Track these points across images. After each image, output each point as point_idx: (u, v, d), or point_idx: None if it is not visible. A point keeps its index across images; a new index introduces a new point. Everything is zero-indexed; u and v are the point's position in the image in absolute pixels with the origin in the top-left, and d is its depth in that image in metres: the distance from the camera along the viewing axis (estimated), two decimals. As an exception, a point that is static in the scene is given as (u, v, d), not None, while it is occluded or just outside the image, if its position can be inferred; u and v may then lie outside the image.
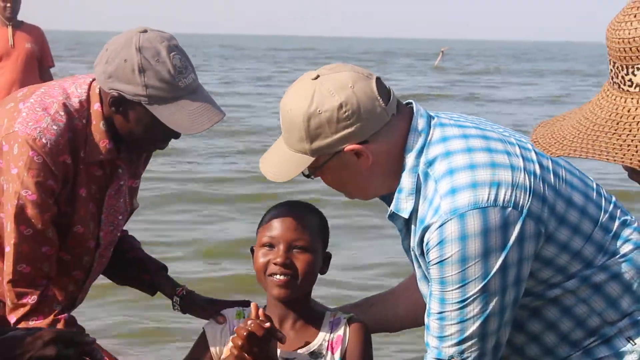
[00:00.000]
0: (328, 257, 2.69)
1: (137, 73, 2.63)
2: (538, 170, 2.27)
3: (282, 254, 2.56)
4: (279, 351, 2.63)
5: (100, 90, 2.77)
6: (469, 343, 2.26)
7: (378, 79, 2.32)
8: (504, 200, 2.20)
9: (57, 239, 2.79)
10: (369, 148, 2.28)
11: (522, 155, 2.29)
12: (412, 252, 2.37)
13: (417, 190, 2.29)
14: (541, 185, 2.25)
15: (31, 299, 2.75)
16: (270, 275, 2.58)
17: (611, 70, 1.56)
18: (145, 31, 2.68)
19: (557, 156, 1.61)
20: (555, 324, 2.34)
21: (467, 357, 2.28)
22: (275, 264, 2.56)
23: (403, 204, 2.31)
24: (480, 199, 2.19)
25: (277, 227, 2.58)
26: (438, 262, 2.23)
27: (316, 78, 2.30)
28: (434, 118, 2.35)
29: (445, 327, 2.27)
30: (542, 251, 2.26)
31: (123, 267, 3.13)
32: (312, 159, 2.32)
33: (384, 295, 2.97)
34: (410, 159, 2.29)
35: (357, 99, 2.26)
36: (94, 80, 2.80)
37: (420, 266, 2.36)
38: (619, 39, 1.52)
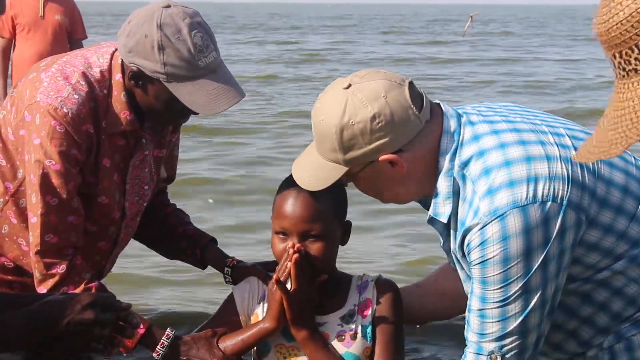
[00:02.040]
0: (348, 226, 2.67)
1: (156, 50, 2.59)
2: None
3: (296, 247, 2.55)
4: None
5: (122, 62, 2.74)
6: (510, 339, 2.24)
7: (411, 84, 2.27)
8: (542, 195, 2.15)
9: (82, 208, 2.78)
10: (403, 157, 2.24)
11: (556, 143, 2.24)
12: (453, 255, 2.34)
13: (455, 193, 2.25)
14: (579, 171, 2.20)
15: (60, 269, 2.75)
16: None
17: (619, 63, 1.53)
18: (168, 6, 2.63)
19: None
20: (607, 305, 2.31)
21: (508, 353, 2.25)
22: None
23: (441, 208, 2.28)
24: (519, 197, 2.15)
25: (288, 216, 2.54)
26: (480, 263, 2.20)
27: (348, 87, 2.24)
28: (462, 116, 2.30)
29: (486, 325, 2.25)
30: (585, 237, 2.22)
31: (173, 242, 3.13)
32: (345, 168, 2.28)
33: (412, 287, 2.96)
34: (444, 162, 2.25)
35: (391, 109, 2.20)
36: (117, 49, 2.78)
37: (462, 268, 2.34)
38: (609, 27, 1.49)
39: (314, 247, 2.55)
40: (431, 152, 2.26)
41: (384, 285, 2.68)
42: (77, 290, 2.73)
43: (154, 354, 2.67)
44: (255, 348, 2.69)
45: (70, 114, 2.67)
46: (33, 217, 2.73)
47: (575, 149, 2.23)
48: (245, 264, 3.01)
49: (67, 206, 2.73)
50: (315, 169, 2.33)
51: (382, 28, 47.52)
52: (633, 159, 2.37)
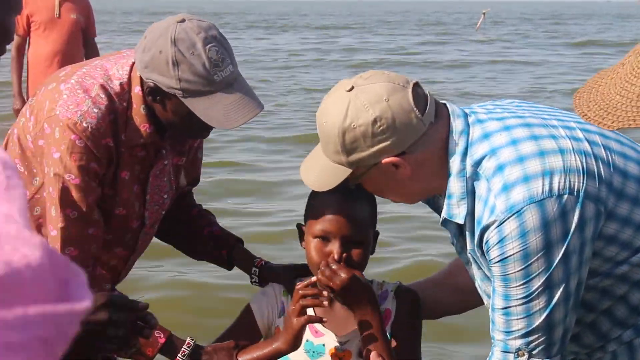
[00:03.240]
0: (376, 235, 2.67)
1: (170, 66, 2.56)
2: (588, 148, 2.22)
3: (339, 251, 2.55)
4: (333, 336, 2.65)
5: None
6: (536, 335, 2.23)
7: (415, 86, 2.26)
8: (559, 188, 2.14)
9: (102, 220, 2.79)
10: (407, 159, 2.24)
11: (568, 136, 2.23)
12: (469, 255, 2.33)
13: (469, 194, 2.24)
14: (594, 163, 2.20)
15: None
16: None
17: None
18: (183, 21, 2.60)
19: (614, 129, 1.54)
20: (626, 297, 2.30)
21: (535, 349, 2.24)
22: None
23: (455, 210, 2.26)
24: (535, 192, 2.14)
25: (331, 220, 2.54)
26: (500, 261, 2.18)
27: (351, 89, 2.24)
28: (470, 115, 2.30)
29: (511, 322, 2.23)
30: (604, 229, 2.20)
31: (200, 243, 3.13)
32: (349, 170, 2.29)
33: (424, 282, 2.95)
34: (455, 163, 2.24)
35: (392, 113, 2.20)
36: None
37: (480, 267, 2.33)
38: None
39: (356, 253, 2.56)
40: (437, 153, 2.26)
41: (404, 295, 2.69)
42: None
43: None
44: None
45: (90, 128, 2.66)
46: (53, 230, 2.72)
47: (590, 142, 2.23)
48: (273, 265, 3.00)
49: (88, 219, 2.72)
50: (321, 170, 2.35)
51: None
52: None
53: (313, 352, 2.63)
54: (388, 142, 2.21)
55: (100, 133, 2.68)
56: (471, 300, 2.87)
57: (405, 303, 2.67)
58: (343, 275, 2.51)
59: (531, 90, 17.05)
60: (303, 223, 2.69)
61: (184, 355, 2.65)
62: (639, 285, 2.28)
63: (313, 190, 2.58)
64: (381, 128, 2.20)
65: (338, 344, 2.65)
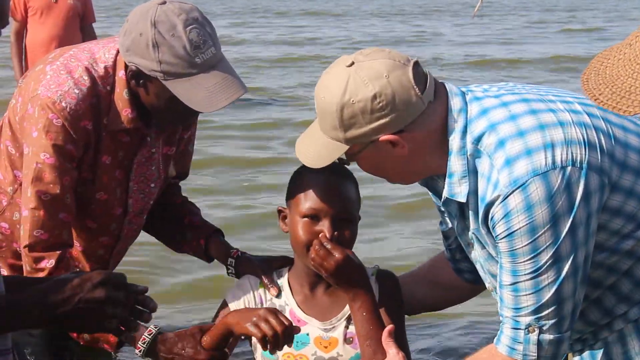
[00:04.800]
0: (359, 219, 2.66)
1: (151, 48, 2.54)
2: (588, 120, 2.21)
3: (330, 229, 2.52)
4: (317, 323, 2.63)
5: None
6: (546, 310, 2.21)
7: (415, 65, 2.25)
8: (561, 160, 2.14)
9: (74, 206, 2.76)
10: (405, 137, 2.22)
11: (567, 109, 2.23)
12: (471, 235, 2.32)
13: (471, 172, 2.22)
14: (595, 135, 2.19)
15: (49, 263, 2.72)
16: None
17: None
18: (164, 3, 2.58)
19: (631, 114, 1.50)
20: (631, 271, 2.29)
21: (545, 324, 2.22)
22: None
23: (456, 188, 2.25)
24: (538, 165, 2.13)
25: (321, 198, 2.53)
26: (507, 236, 2.17)
27: (351, 65, 2.23)
28: (467, 94, 2.29)
29: (520, 298, 2.22)
30: (608, 202, 2.20)
31: (179, 232, 3.10)
32: (346, 147, 2.27)
33: (403, 276, 2.94)
34: (455, 141, 2.23)
35: (392, 89, 2.19)
36: None
37: (484, 247, 2.31)
38: None
39: (345, 233, 2.55)
40: (436, 133, 2.25)
41: (384, 278, 2.67)
42: None
43: (137, 351, 2.65)
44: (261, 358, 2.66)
45: (68, 109, 2.65)
46: (24, 210, 2.71)
47: (589, 114, 2.22)
48: (249, 256, 2.94)
49: (60, 202, 2.70)
50: (317, 146, 2.33)
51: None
52: None
53: (297, 342, 2.57)
54: (387, 119, 2.20)
55: (78, 115, 2.66)
56: (451, 296, 2.85)
57: (387, 286, 2.65)
58: (337, 255, 2.48)
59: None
60: (284, 206, 2.65)
61: (144, 343, 2.63)
62: None
63: (296, 171, 2.57)
64: (380, 104, 2.19)
65: (323, 332, 2.62)
